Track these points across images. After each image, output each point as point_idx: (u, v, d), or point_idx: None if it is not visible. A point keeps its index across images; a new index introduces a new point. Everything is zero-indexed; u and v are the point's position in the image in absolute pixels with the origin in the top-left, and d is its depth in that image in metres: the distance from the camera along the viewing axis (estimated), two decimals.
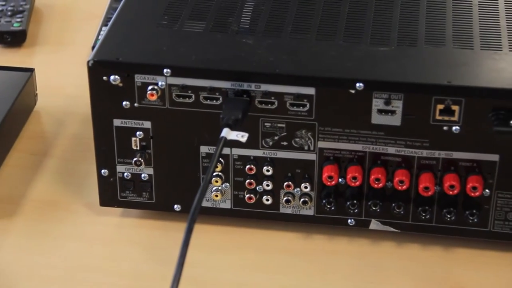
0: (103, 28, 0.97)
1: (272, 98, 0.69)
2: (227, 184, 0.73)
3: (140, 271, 0.71)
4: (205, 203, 0.73)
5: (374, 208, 0.71)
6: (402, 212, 0.71)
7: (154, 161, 0.72)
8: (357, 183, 0.70)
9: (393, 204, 0.71)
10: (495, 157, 0.68)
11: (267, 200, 0.73)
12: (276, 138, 0.70)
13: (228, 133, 0.66)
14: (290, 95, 0.68)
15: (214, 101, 0.69)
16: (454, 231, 0.71)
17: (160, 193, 0.74)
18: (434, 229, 0.72)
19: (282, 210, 0.73)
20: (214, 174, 0.72)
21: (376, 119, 0.68)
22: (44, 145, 0.84)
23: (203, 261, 0.71)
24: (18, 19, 0.98)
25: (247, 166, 0.72)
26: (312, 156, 0.71)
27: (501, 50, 0.70)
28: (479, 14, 0.75)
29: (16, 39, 0.97)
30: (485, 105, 0.66)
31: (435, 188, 0.70)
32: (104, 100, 0.70)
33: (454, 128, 0.67)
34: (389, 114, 0.68)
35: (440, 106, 0.67)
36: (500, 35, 0.72)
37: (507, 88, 0.66)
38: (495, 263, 0.71)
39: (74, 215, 0.76)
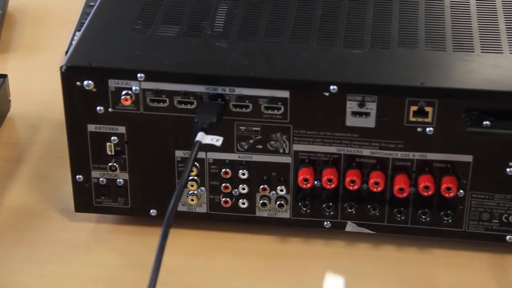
0: (77, 33, 0.97)
1: (247, 101, 0.69)
2: (203, 188, 0.73)
3: (116, 277, 0.70)
4: (180, 208, 0.73)
5: (349, 210, 0.71)
6: (377, 214, 0.71)
7: (129, 166, 0.72)
8: (333, 186, 0.70)
9: (369, 206, 0.71)
10: (468, 158, 0.69)
11: (243, 203, 0.73)
12: (251, 141, 0.70)
13: (203, 137, 0.66)
14: (265, 99, 0.68)
15: (189, 105, 0.69)
16: (429, 232, 0.72)
17: (136, 198, 0.74)
18: (410, 230, 0.72)
19: (258, 213, 0.73)
20: (190, 178, 0.72)
21: (351, 121, 0.68)
22: (18, 151, 0.83)
23: (179, 266, 0.71)
24: None
25: (223, 170, 0.72)
26: (288, 159, 0.71)
27: (473, 52, 0.71)
28: (451, 16, 0.76)
29: None
30: (458, 106, 0.67)
31: (410, 190, 0.70)
32: (77, 106, 0.70)
33: (428, 129, 0.68)
34: (363, 116, 0.68)
35: (414, 108, 0.67)
36: (472, 36, 0.73)
37: (479, 89, 0.66)
38: (470, 263, 0.72)
39: (49, 222, 0.76)
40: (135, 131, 0.71)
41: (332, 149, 0.70)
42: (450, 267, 0.71)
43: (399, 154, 0.69)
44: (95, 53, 0.70)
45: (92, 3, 1.00)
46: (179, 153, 0.71)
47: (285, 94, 0.68)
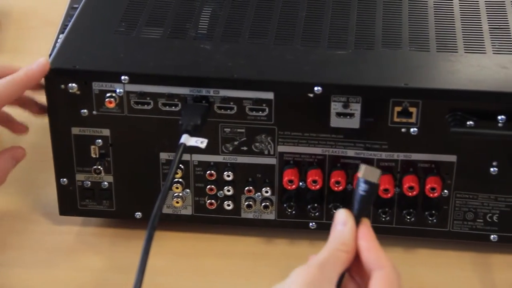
0: (60, 36, 0.97)
1: (231, 103, 0.69)
2: (188, 190, 0.72)
3: (101, 280, 0.70)
4: (166, 210, 0.73)
5: (335, 211, 0.71)
6: None
7: (114, 169, 0.72)
8: (318, 187, 0.70)
9: None
10: (452, 158, 0.69)
11: (228, 205, 0.73)
12: (236, 143, 0.70)
13: (187, 139, 0.66)
14: (249, 100, 0.68)
15: (173, 107, 0.69)
16: (414, 232, 0.72)
17: (121, 201, 0.73)
18: (395, 231, 0.72)
19: (244, 215, 0.73)
20: (175, 180, 0.72)
21: (335, 122, 0.68)
22: None
23: (165, 268, 0.71)
24: None
25: (208, 172, 0.71)
26: (272, 161, 0.71)
27: (456, 52, 0.71)
28: (435, 16, 0.76)
29: None
30: (442, 106, 0.67)
31: (395, 190, 0.70)
32: (61, 109, 0.70)
33: (412, 129, 0.68)
34: (348, 117, 0.68)
35: (398, 108, 0.67)
36: (455, 37, 0.73)
37: (463, 90, 0.67)
38: (455, 262, 0.72)
39: (33, 225, 0.75)
40: (120, 133, 0.71)
41: (317, 150, 0.70)
42: (435, 267, 0.72)
43: (384, 155, 0.69)
44: (79, 56, 0.70)
45: (76, 5, 1.00)
46: (163, 156, 0.71)
47: (269, 95, 0.68)
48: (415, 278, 0.70)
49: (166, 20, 0.75)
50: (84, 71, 0.69)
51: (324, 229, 0.73)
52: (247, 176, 0.72)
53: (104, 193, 0.73)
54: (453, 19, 0.75)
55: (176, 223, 0.74)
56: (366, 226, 0.57)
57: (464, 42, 0.72)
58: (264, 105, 0.68)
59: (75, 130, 0.71)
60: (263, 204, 0.72)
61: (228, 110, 0.69)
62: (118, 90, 0.69)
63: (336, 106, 0.68)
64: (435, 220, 0.71)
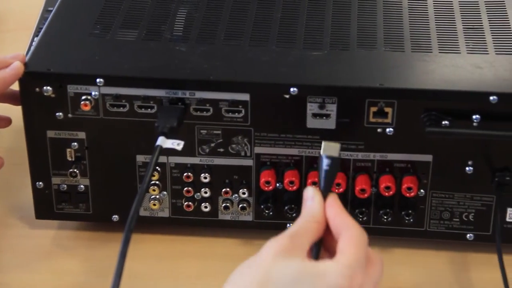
0: (35, 39, 0.96)
1: (207, 105, 0.68)
2: (165, 192, 0.72)
3: (78, 283, 0.70)
4: (143, 213, 0.73)
5: None
6: None
7: (90, 172, 0.72)
8: (295, 188, 0.71)
9: None
10: (428, 158, 0.69)
11: (206, 207, 0.73)
12: (212, 145, 0.70)
13: (163, 142, 0.66)
14: (225, 102, 0.68)
15: (149, 109, 0.69)
16: (391, 231, 0.72)
17: (97, 204, 0.73)
18: (372, 231, 0.72)
19: (221, 216, 0.73)
20: (151, 183, 0.72)
21: (311, 123, 0.69)
22: None
23: (142, 271, 0.71)
24: None
25: (184, 174, 0.71)
26: (249, 162, 0.71)
27: (431, 52, 0.71)
28: (409, 16, 0.76)
29: None
30: (417, 106, 0.67)
31: (371, 190, 0.71)
32: (36, 112, 0.69)
33: (387, 130, 0.68)
34: (324, 118, 0.68)
35: (374, 109, 0.68)
36: (430, 37, 0.73)
37: (438, 89, 0.67)
38: (432, 261, 0.72)
39: (9, 229, 0.75)
40: (95, 136, 0.70)
41: (294, 151, 0.70)
42: (412, 266, 0.72)
43: (360, 155, 0.70)
44: (53, 59, 0.70)
45: (51, 8, 0.99)
46: (140, 158, 0.71)
47: (245, 97, 0.68)
48: (392, 278, 0.71)
49: (141, 22, 0.75)
50: (59, 74, 0.68)
51: None
52: (224, 178, 0.71)
53: (81, 196, 0.73)
54: (428, 19, 0.76)
55: (153, 225, 0.74)
56: (332, 197, 0.58)
57: (438, 42, 0.72)
58: (240, 106, 0.68)
59: (51, 133, 0.70)
60: (240, 206, 0.72)
61: (204, 112, 0.69)
62: (93, 93, 0.68)
63: (312, 107, 0.68)
64: (411, 220, 0.71)
